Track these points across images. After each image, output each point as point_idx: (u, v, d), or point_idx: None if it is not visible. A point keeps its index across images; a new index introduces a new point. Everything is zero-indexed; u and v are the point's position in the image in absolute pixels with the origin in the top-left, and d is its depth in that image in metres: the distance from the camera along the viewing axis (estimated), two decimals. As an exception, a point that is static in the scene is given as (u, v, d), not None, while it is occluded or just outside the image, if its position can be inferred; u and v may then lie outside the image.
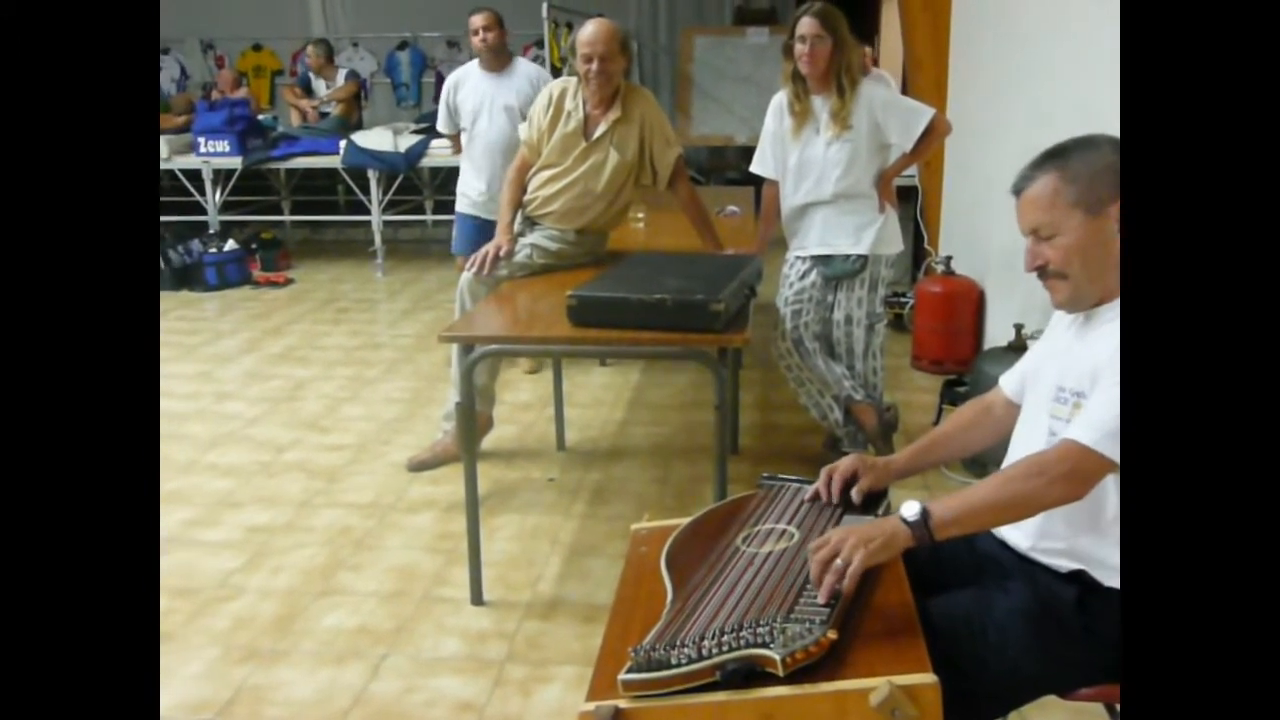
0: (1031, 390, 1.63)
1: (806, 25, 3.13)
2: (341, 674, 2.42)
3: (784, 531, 1.55)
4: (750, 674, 1.24)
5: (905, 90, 5.23)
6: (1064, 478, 1.37)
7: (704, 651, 1.25)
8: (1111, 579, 1.46)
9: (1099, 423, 1.36)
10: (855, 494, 1.62)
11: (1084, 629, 1.46)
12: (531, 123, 3.34)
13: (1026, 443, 1.57)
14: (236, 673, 2.42)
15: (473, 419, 2.79)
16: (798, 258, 3.41)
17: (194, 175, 7.06)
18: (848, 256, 3.31)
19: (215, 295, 6.49)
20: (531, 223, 3.40)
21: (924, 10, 5.21)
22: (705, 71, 7.99)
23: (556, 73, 6.53)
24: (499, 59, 4.43)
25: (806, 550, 1.42)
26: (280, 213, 8.09)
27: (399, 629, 2.61)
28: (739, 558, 1.49)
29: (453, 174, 4.75)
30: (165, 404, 4.33)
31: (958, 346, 4.51)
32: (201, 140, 6.98)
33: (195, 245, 6.76)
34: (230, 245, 6.77)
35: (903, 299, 5.09)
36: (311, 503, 3.38)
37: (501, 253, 3.24)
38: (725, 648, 1.25)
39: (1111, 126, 1.31)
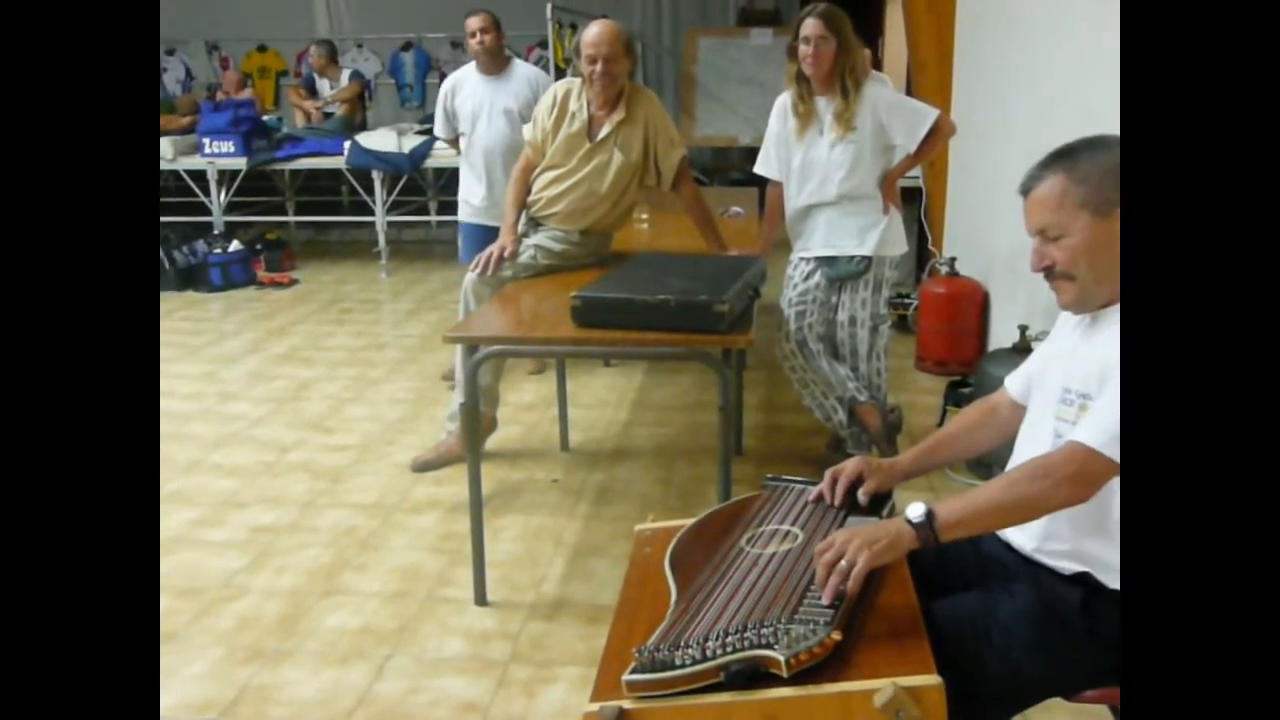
0: (1037, 392, 1.63)
1: (810, 26, 3.12)
2: (345, 674, 2.42)
3: (788, 533, 1.55)
4: (754, 675, 1.24)
5: (910, 92, 5.24)
6: (1069, 480, 1.36)
7: (708, 652, 1.25)
8: (1116, 581, 1.45)
9: (1105, 425, 1.35)
10: (860, 495, 1.62)
11: (1088, 631, 1.45)
12: (536, 123, 3.35)
13: (1032, 444, 1.57)
14: (240, 673, 2.42)
15: (477, 420, 2.79)
16: (802, 259, 3.40)
17: (199, 176, 7.06)
18: (852, 258, 3.31)
19: (220, 296, 6.50)
20: (536, 223, 3.41)
21: (928, 12, 5.21)
22: (709, 72, 8.00)
23: (560, 74, 6.53)
24: (497, 61, 4.40)
25: (811, 551, 1.42)
26: (285, 213, 8.09)
27: (403, 629, 2.61)
28: (743, 559, 1.49)
29: (457, 175, 4.75)
30: (170, 404, 4.33)
31: (962, 348, 4.50)
32: (206, 141, 7.00)
33: (200, 246, 6.77)
34: (235, 246, 6.78)
35: (907, 300, 5.08)
36: (315, 503, 3.38)
37: (506, 253, 3.24)
38: (729, 649, 1.25)
39: (1114, 127, 1.31)
